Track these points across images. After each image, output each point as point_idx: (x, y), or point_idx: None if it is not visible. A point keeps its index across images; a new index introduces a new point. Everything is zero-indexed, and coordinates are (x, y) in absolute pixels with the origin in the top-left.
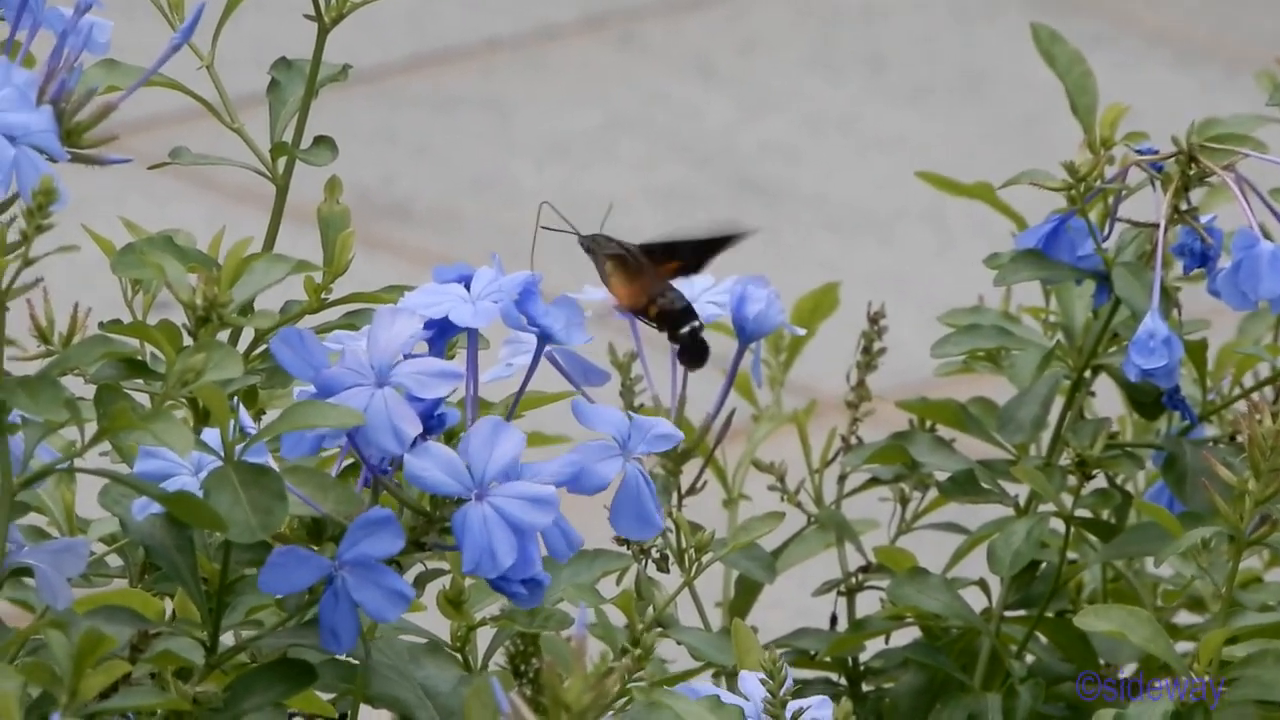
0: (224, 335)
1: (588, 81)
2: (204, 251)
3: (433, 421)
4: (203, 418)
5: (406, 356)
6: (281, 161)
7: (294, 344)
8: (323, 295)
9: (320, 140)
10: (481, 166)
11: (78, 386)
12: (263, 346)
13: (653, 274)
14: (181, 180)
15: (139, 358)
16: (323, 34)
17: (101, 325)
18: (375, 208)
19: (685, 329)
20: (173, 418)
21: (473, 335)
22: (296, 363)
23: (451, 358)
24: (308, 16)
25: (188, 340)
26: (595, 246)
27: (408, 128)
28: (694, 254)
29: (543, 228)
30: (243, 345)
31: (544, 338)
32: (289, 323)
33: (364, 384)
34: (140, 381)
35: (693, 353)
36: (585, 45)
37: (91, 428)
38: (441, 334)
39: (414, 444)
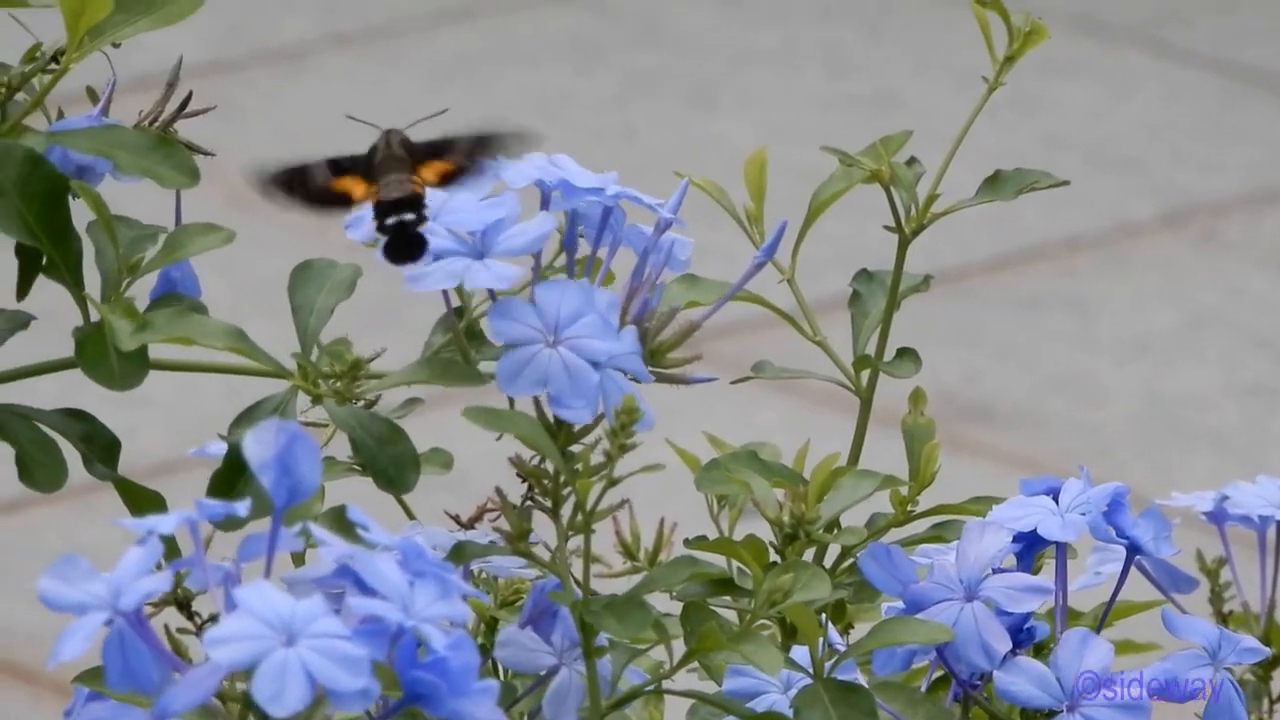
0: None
1: (1168, 279)
2: (789, 466)
3: (1021, 635)
4: (790, 634)
5: (995, 570)
6: (865, 373)
7: (882, 560)
8: (908, 508)
9: (903, 352)
10: (1063, 366)
11: (662, 601)
12: (849, 561)
13: (401, 166)
14: (763, 387)
15: (726, 576)
16: (903, 245)
17: (687, 542)
18: (958, 409)
19: (392, 219)
20: (761, 637)
21: (1061, 547)
22: (884, 578)
23: (1038, 570)
24: (887, 228)
25: (773, 555)
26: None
27: (990, 328)
28: (467, 153)
29: (349, 118)
30: (828, 559)
31: (1132, 549)
32: (876, 538)
33: (953, 599)
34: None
35: (395, 246)
36: (1165, 242)
37: (679, 645)
38: (1030, 547)
39: (1003, 658)
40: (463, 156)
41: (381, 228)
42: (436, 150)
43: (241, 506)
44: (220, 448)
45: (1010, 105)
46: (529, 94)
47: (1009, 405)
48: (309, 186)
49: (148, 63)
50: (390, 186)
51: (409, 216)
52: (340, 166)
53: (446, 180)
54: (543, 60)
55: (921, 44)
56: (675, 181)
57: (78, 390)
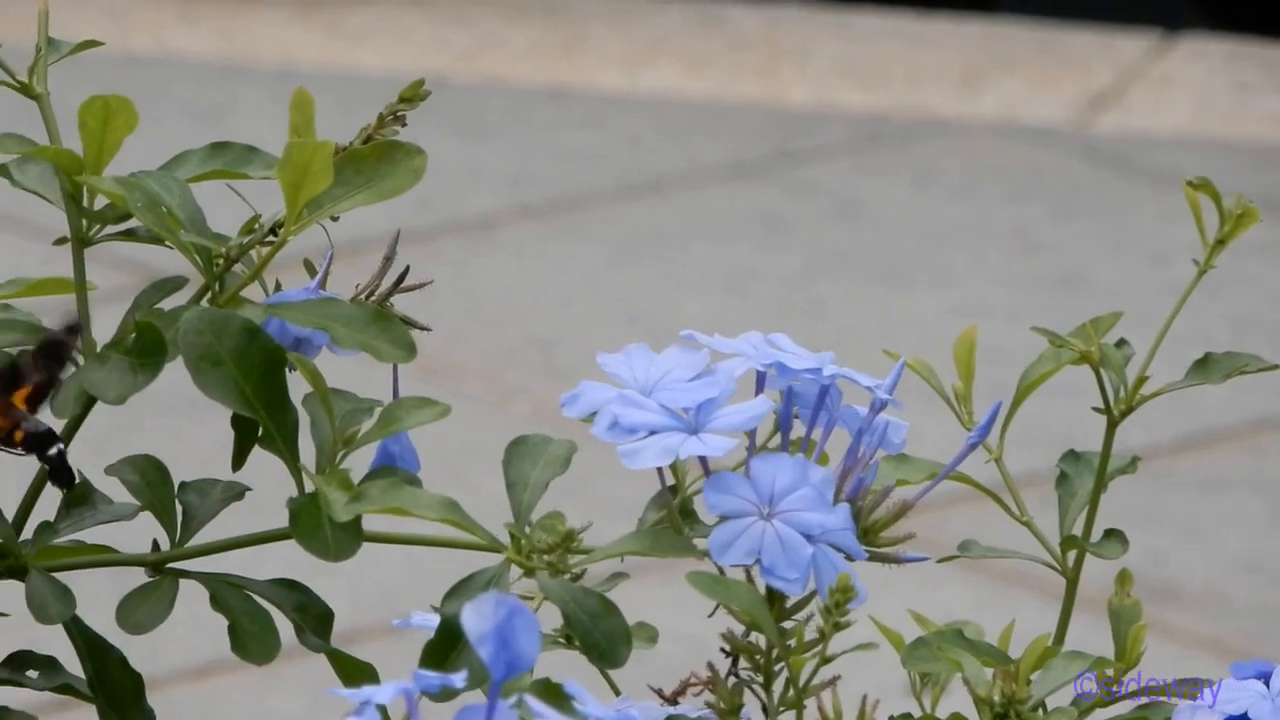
0: None
1: None
2: (995, 645)
3: None
4: None
5: None
6: (1071, 554)
7: None
8: (1112, 689)
9: (1111, 533)
10: (1248, 547)
11: None
12: None
13: (6, 403)
14: (948, 565)
15: None
16: (1112, 427)
17: (892, 719)
18: (1143, 589)
19: (52, 451)
20: None
21: None
22: None
23: None
24: (1096, 409)
25: None
26: None
27: (1175, 509)
28: (38, 370)
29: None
30: None
31: None
32: (1084, 718)
33: None
34: None
35: (60, 473)
36: None
37: None
38: None
39: None
40: (35, 372)
41: (44, 458)
42: (15, 378)
43: (458, 678)
44: (423, 619)
45: (1198, 285)
46: (716, 269)
47: (1194, 586)
48: None
49: (341, 232)
50: (33, 423)
51: (61, 447)
52: None
53: (36, 399)
54: (731, 236)
55: (1109, 224)
56: (866, 357)
57: (259, 560)
